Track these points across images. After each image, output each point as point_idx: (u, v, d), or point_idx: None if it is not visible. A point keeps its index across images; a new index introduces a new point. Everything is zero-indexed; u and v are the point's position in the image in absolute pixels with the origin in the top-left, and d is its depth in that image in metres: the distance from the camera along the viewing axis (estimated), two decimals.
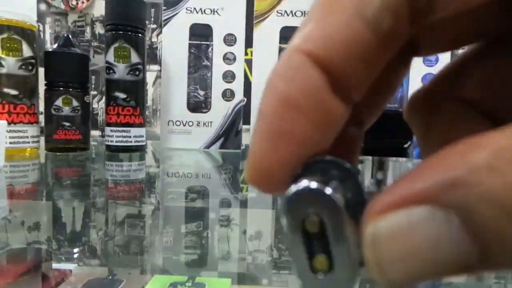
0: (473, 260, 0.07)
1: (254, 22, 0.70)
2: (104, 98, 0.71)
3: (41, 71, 0.61)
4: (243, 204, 0.38)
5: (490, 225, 0.07)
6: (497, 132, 0.07)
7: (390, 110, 0.57)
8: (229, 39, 0.71)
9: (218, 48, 0.71)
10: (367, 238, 0.08)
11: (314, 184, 0.08)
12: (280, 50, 0.70)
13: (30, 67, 0.59)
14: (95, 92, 1.00)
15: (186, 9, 0.70)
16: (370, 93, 0.11)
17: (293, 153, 0.10)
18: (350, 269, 0.08)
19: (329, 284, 0.08)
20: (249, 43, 0.71)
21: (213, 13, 0.70)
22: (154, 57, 1.00)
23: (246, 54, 0.72)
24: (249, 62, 0.73)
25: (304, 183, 0.08)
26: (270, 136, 0.10)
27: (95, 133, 1.00)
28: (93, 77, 0.99)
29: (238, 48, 0.71)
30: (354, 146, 0.13)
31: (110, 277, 0.22)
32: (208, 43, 0.71)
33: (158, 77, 0.99)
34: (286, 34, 0.70)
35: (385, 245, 0.08)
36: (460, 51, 0.13)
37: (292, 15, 0.69)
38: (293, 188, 0.09)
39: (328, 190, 0.08)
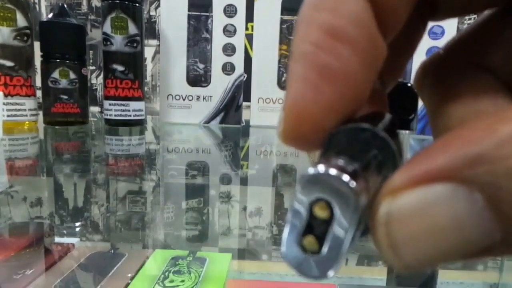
0: (497, 242, 0.07)
1: None
2: (102, 72, 0.70)
3: (37, 45, 0.60)
4: (243, 181, 0.38)
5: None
6: None
7: None
8: (230, 10, 0.69)
9: (218, 20, 0.69)
10: (380, 218, 0.07)
11: (333, 171, 0.07)
12: (282, 22, 0.68)
13: (25, 38, 0.58)
14: (93, 67, 0.99)
15: None
16: (391, 53, 0.10)
17: (343, 96, 0.08)
18: (337, 260, 0.08)
19: (309, 263, 0.08)
20: (249, 16, 0.69)
21: None
22: (152, 31, 0.98)
23: (246, 29, 0.70)
24: (249, 38, 0.72)
25: (321, 168, 0.07)
26: (314, 76, 0.08)
27: (94, 109, 0.99)
28: (91, 52, 0.97)
29: (239, 20, 0.69)
30: (383, 103, 0.11)
31: (112, 251, 0.22)
32: (207, 14, 0.69)
33: (157, 52, 0.97)
34: (289, 4, 0.68)
35: (401, 224, 0.07)
36: (480, 16, 0.12)
37: None
38: (311, 170, 0.08)
39: (346, 178, 0.07)
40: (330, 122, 0.09)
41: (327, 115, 0.08)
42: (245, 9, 0.68)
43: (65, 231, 0.25)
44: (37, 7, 0.97)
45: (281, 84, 0.70)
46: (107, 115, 0.63)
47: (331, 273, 0.08)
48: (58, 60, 0.60)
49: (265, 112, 0.70)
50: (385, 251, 0.07)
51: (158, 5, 0.92)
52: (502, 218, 0.07)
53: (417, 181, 0.07)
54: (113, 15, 0.60)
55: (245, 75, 0.71)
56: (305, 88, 0.08)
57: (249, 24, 0.73)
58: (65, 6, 0.62)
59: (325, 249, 0.08)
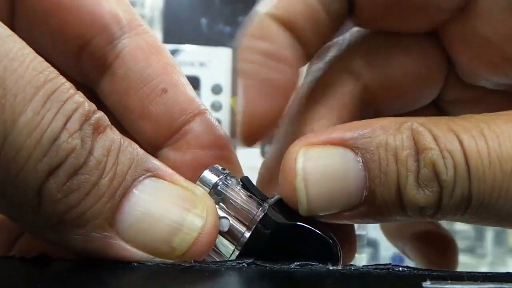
0: (362, 198, 0.11)
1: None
2: None
3: None
4: None
5: (378, 163, 0.10)
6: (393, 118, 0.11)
7: None
8: (216, 89, 0.76)
9: (205, 97, 0.76)
10: (298, 157, 0.11)
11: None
12: None
13: None
14: None
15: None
16: None
17: (281, 100, 0.13)
18: None
19: None
20: (234, 91, 0.76)
21: (201, 66, 0.77)
22: None
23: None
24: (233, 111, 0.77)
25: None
26: (261, 87, 0.12)
27: None
28: None
29: (225, 96, 0.76)
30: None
31: None
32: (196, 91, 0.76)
33: None
34: None
35: (312, 164, 0.11)
36: None
37: None
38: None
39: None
40: (274, 120, 0.13)
41: (272, 115, 0.13)
42: (230, 86, 0.76)
43: None
44: None
45: (264, 154, 0.72)
46: None
47: None
48: None
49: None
50: (299, 182, 0.11)
51: None
52: (371, 178, 0.11)
53: (326, 142, 0.11)
54: None
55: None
56: (254, 97, 0.12)
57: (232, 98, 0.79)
58: None
59: None
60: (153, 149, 0.14)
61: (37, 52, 0.10)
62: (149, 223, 0.10)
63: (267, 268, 0.10)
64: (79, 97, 0.10)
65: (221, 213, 0.12)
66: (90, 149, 0.09)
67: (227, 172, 0.13)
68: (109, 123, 0.10)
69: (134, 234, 0.10)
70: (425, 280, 0.09)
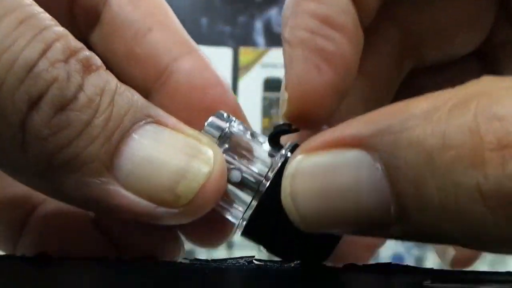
0: (393, 219, 0.07)
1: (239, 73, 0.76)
2: None
3: None
4: None
5: (411, 173, 0.07)
6: (447, 90, 0.07)
7: None
8: None
9: None
10: (289, 168, 0.08)
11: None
12: (264, 99, 0.75)
13: None
14: None
15: None
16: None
17: (340, 75, 0.10)
18: None
19: None
20: (234, 93, 0.76)
21: None
22: None
23: None
24: None
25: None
26: (315, 58, 0.10)
27: None
28: None
29: None
30: None
31: None
32: None
33: None
34: (270, 83, 0.75)
35: (305, 178, 0.08)
36: None
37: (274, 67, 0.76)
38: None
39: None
40: (331, 100, 0.10)
41: (329, 93, 0.10)
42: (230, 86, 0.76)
43: None
44: None
45: None
46: None
47: None
48: None
49: None
50: (285, 198, 0.08)
51: None
52: (398, 191, 0.07)
53: (330, 144, 0.08)
54: None
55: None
56: (308, 69, 0.10)
57: None
58: None
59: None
60: (144, 96, 0.12)
61: None
62: (150, 170, 0.09)
63: (268, 266, 0.10)
64: (62, 30, 0.09)
65: (234, 162, 0.11)
66: (80, 85, 0.09)
67: (233, 118, 0.11)
68: (103, 65, 0.09)
69: (134, 181, 0.09)
70: (425, 280, 0.09)
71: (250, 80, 0.76)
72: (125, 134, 0.09)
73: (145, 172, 0.09)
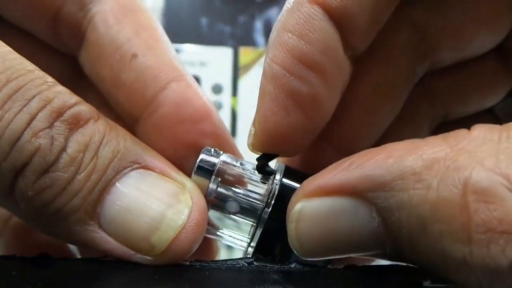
0: (387, 249, 0.08)
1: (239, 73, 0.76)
2: None
3: None
4: None
5: (405, 231, 0.08)
6: (437, 139, 0.08)
7: None
8: (217, 88, 0.76)
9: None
10: (293, 214, 0.09)
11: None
12: None
13: None
14: None
15: None
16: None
17: (310, 118, 0.10)
18: None
19: None
20: (234, 91, 0.76)
21: (201, 65, 0.77)
22: None
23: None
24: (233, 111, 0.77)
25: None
26: (284, 98, 0.10)
27: None
28: None
29: (225, 96, 0.75)
30: None
31: None
32: None
33: None
34: None
35: (308, 223, 0.09)
36: None
37: None
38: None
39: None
40: (297, 140, 0.10)
41: (296, 135, 0.10)
42: (230, 86, 0.76)
43: None
44: None
45: None
46: None
47: None
48: None
49: None
50: (292, 241, 0.10)
51: None
52: (392, 236, 0.08)
53: (330, 191, 0.09)
54: None
55: None
56: (275, 108, 0.10)
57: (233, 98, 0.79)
58: None
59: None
60: (132, 121, 0.12)
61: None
62: (130, 218, 0.10)
63: (267, 267, 0.10)
64: (53, 92, 0.09)
65: (229, 194, 0.11)
66: (63, 146, 0.09)
67: (221, 152, 0.12)
68: (94, 114, 0.10)
69: (115, 228, 0.10)
70: (425, 279, 0.09)
71: (250, 80, 0.76)
72: (108, 184, 0.10)
73: (124, 220, 0.10)
